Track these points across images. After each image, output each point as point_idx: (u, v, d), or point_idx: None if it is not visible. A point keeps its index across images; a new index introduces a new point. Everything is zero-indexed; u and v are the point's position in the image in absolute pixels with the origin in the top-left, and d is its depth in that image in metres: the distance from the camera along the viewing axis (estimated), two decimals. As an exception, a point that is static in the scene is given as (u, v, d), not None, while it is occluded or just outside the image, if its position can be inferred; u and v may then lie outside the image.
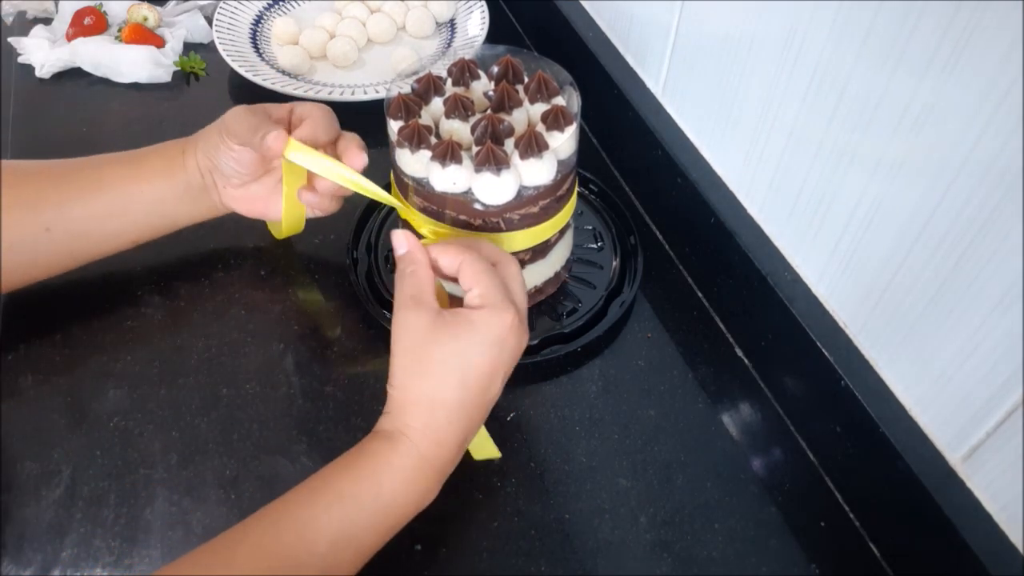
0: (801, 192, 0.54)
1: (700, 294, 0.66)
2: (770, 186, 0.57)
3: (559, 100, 0.57)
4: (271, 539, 0.43)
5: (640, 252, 0.66)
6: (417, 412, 0.46)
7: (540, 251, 0.59)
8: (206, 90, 0.83)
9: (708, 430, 0.58)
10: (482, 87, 0.58)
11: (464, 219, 0.55)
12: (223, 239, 0.67)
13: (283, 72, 0.82)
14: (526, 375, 0.60)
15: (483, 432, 0.53)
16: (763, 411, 0.59)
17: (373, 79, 0.83)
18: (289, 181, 0.59)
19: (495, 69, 0.58)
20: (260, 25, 0.88)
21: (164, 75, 0.83)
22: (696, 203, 0.63)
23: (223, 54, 0.81)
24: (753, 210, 0.60)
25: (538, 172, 0.53)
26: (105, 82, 0.82)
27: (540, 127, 0.55)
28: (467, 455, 0.53)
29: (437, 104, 0.57)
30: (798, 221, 0.55)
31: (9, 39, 0.84)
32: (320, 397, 0.58)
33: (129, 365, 0.59)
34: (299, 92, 0.78)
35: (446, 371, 0.46)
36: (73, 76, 0.83)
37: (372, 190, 0.56)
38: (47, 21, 0.88)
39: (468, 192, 0.53)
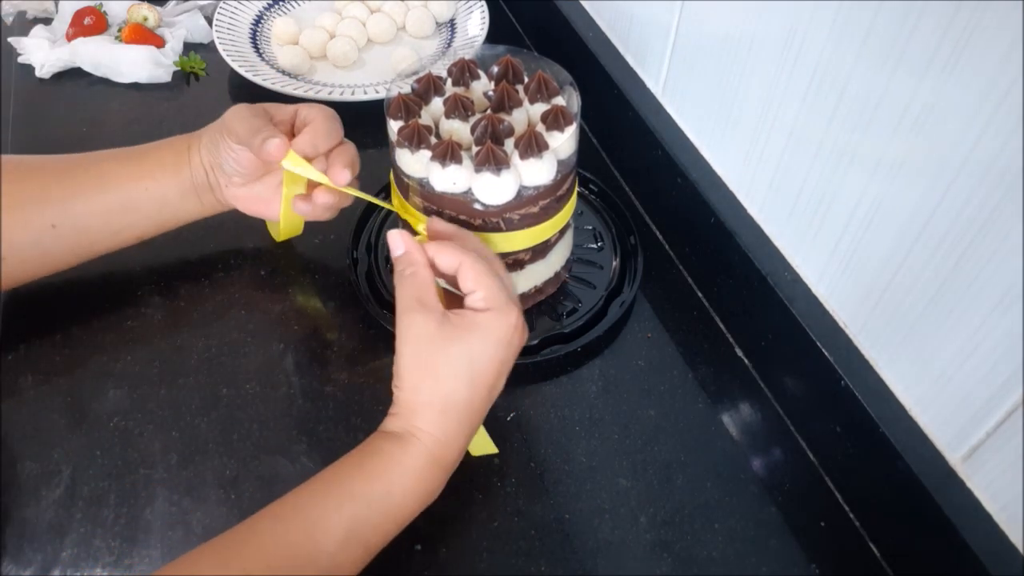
0: (801, 192, 0.54)
1: (700, 294, 0.66)
2: (770, 186, 0.57)
3: (559, 100, 0.57)
4: (281, 537, 0.43)
5: (640, 252, 0.66)
6: (429, 414, 0.47)
7: (540, 251, 0.59)
8: (206, 90, 0.83)
9: (708, 430, 0.58)
10: (482, 87, 0.58)
11: (464, 219, 0.55)
12: (223, 239, 0.67)
13: (283, 72, 0.82)
14: (526, 375, 0.60)
15: (481, 430, 0.53)
16: (763, 411, 0.59)
17: (373, 79, 0.83)
18: (289, 186, 0.59)
19: (495, 69, 0.58)
20: (260, 25, 0.88)
21: (164, 75, 0.83)
22: (696, 203, 0.63)
23: (223, 54, 0.81)
24: (753, 210, 0.60)
25: (538, 172, 0.53)
26: (105, 82, 0.82)
27: (540, 127, 0.55)
28: (466, 455, 0.53)
29: (437, 104, 0.57)
30: (798, 221, 0.55)
31: (9, 39, 0.84)
32: (320, 397, 0.58)
33: (129, 365, 0.59)
34: (299, 92, 0.78)
35: (456, 374, 0.46)
36: (73, 76, 0.83)
37: (369, 198, 0.57)
38: (47, 21, 0.88)
39: (468, 192, 0.53)
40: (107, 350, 0.60)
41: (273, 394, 0.58)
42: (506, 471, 0.55)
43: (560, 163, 0.55)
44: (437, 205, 0.55)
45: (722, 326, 0.64)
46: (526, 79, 0.58)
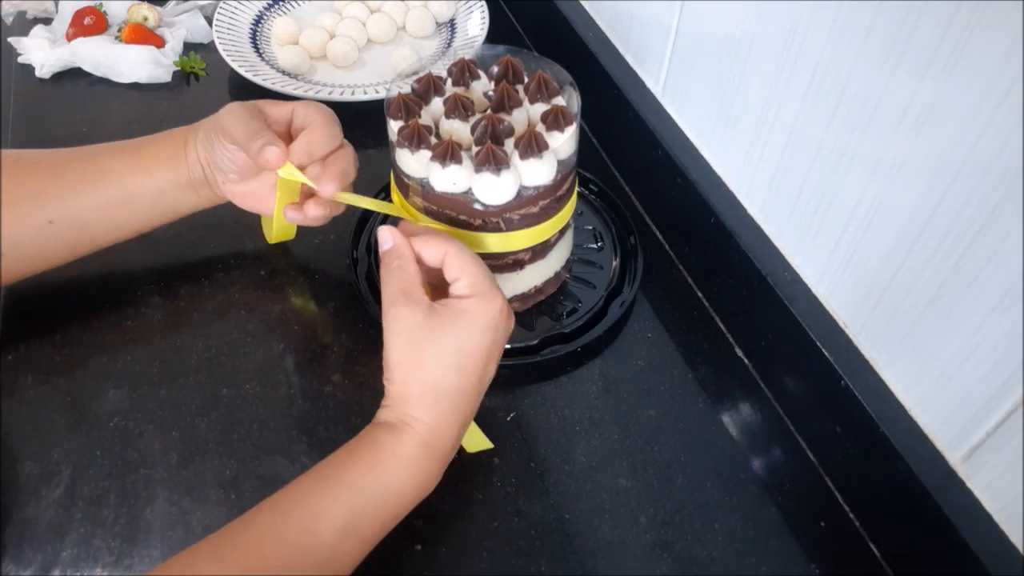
0: (801, 192, 0.54)
1: (700, 294, 0.66)
2: (770, 186, 0.57)
3: (559, 100, 0.57)
4: (278, 530, 0.44)
5: (640, 252, 0.66)
6: (420, 403, 0.47)
7: (540, 251, 0.59)
8: (206, 90, 0.83)
9: (708, 430, 0.58)
10: (482, 87, 0.58)
11: (464, 219, 0.55)
12: (223, 239, 0.67)
13: (283, 72, 0.82)
14: (526, 375, 0.60)
15: (473, 426, 0.54)
16: (763, 411, 0.59)
17: (373, 79, 0.83)
18: (283, 192, 0.59)
19: (495, 69, 0.58)
20: (260, 25, 0.88)
21: (164, 75, 0.83)
22: (696, 203, 0.63)
23: (223, 54, 0.81)
24: (753, 210, 0.60)
25: (538, 172, 0.53)
26: (105, 82, 0.82)
27: (540, 127, 0.55)
28: (462, 452, 0.53)
29: (437, 104, 0.57)
30: (798, 221, 0.55)
31: (9, 39, 0.84)
32: (320, 397, 0.58)
33: (129, 365, 0.59)
34: (299, 92, 0.78)
35: (445, 362, 0.47)
36: (73, 76, 0.83)
37: (371, 207, 0.57)
38: (47, 21, 0.88)
39: (468, 192, 0.53)
40: (107, 350, 0.60)
41: (273, 394, 0.58)
42: (506, 471, 0.55)
43: (560, 163, 0.55)
44: (437, 205, 0.55)
45: (722, 326, 0.64)
46: (526, 79, 0.58)
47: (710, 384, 0.60)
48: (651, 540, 0.52)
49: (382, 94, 0.78)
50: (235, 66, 0.80)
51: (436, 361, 0.47)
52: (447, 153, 0.52)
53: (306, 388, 0.58)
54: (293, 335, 0.62)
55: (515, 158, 0.53)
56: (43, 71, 0.82)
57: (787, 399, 0.58)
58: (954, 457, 0.47)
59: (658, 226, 0.71)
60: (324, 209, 0.58)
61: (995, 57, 0.38)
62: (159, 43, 0.84)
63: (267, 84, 0.78)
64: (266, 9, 0.90)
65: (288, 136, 0.57)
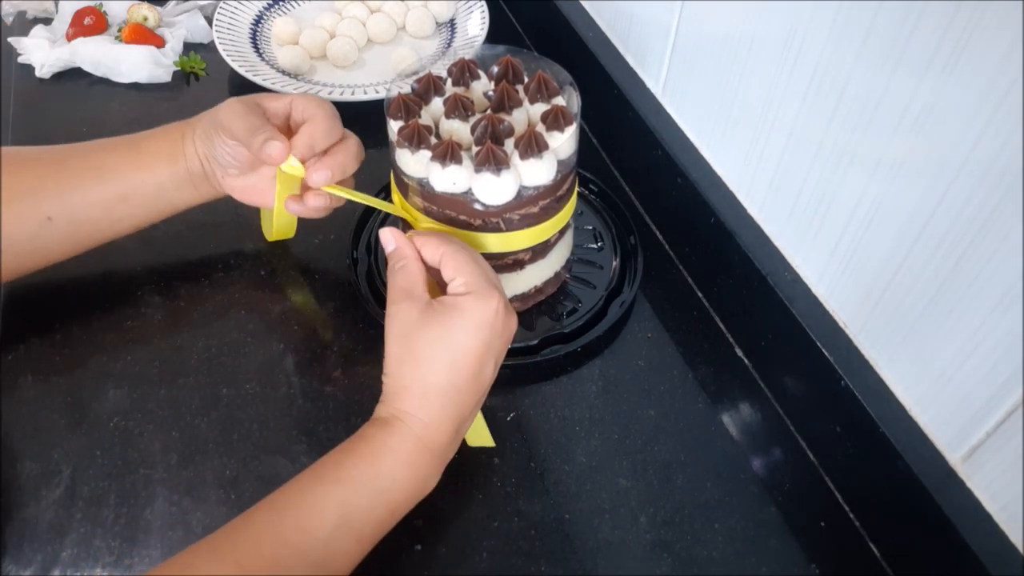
0: (801, 192, 0.54)
1: (700, 294, 0.66)
2: (770, 186, 0.57)
3: (559, 100, 0.57)
4: (275, 528, 0.44)
5: (640, 252, 0.66)
6: (409, 397, 0.47)
7: (540, 251, 0.59)
8: (206, 90, 0.83)
9: (708, 430, 0.58)
10: (482, 87, 0.58)
11: (464, 219, 0.55)
12: (224, 239, 0.67)
13: (283, 72, 0.82)
14: (526, 375, 0.60)
15: (480, 420, 0.54)
16: (763, 411, 0.59)
17: (373, 79, 0.83)
18: (283, 186, 0.59)
19: (495, 69, 0.58)
20: (260, 25, 0.88)
21: (164, 75, 0.83)
22: (696, 203, 0.63)
23: (223, 54, 0.81)
24: (753, 210, 0.60)
25: (538, 172, 0.53)
26: (105, 82, 0.82)
27: (540, 127, 0.55)
28: (464, 447, 0.53)
29: (437, 104, 0.57)
30: (798, 221, 0.55)
31: (9, 39, 0.84)
32: (320, 397, 0.58)
33: (129, 365, 0.59)
34: (299, 92, 0.78)
35: (435, 357, 0.47)
36: (73, 76, 0.83)
37: (366, 202, 0.57)
38: (47, 21, 0.88)
39: (468, 192, 0.53)
40: (107, 350, 0.60)
41: (273, 394, 0.58)
42: (506, 471, 0.55)
43: (560, 163, 0.55)
44: (437, 205, 0.55)
45: (722, 326, 0.64)
46: (526, 79, 0.58)
47: (710, 384, 0.60)
48: (651, 540, 0.52)
49: (382, 94, 0.78)
50: (235, 66, 0.80)
51: (427, 356, 0.47)
52: (447, 153, 0.52)
53: (306, 388, 0.58)
54: (293, 335, 0.62)
55: (515, 158, 0.53)
56: (43, 71, 0.82)
57: (787, 399, 0.58)
58: (954, 457, 0.47)
59: (658, 226, 0.71)
60: (324, 199, 0.58)
61: (995, 57, 0.38)
62: (159, 43, 0.84)
63: (267, 84, 0.78)
64: (266, 9, 0.90)
65: (287, 129, 0.57)
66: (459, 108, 0.55)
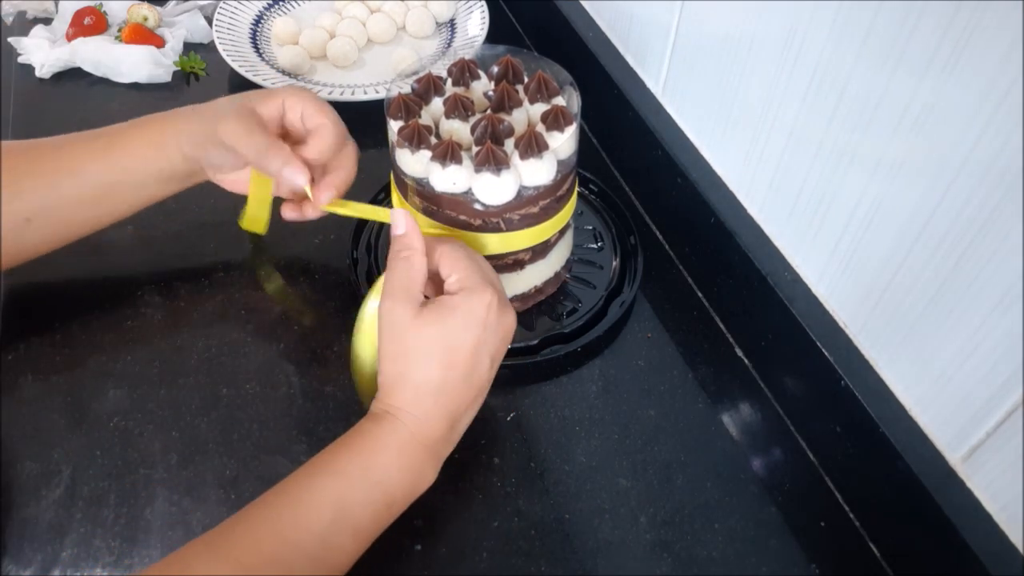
0: (801, 192, 0.54)
1: (700, 294, 0.66)
2: (770, 186, 0.57)
3: (559, 100, 0.57)
4: (272, 525, 0.44)
5: (640, 252, 0.66)
6: (402, 393, 0.47)
7: (540, 251, 0.59)
8: (206, 90, 0.83)
9: (708, 430, 0.58)
10: (482, 87, 0.58)
11: (464, 219, 0.55)
12: (224, 239, 0.67)
13: (283, 72, 0.82)
14: (526, 375, 0.60)
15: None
16: (763, 411, 0.59)
17: (373, 79, 0.83)
18: (257, 186, 0.60)
19: (495, 69, 0.58)
20: (260, 25, 0.88)
21: (164, 75, 0.83)
22: (696, 203, 0.63)
23: (223, 54, 0.81)
24: (753, 210, 0.60)
25: (538, 172, 0.53)
26: (105, 82, 0.82)
27: (540, 127, 0.55)
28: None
29: (437, 104, 0.57)
30: (798, 221, 0.55)
31: (9, 39, 0.84)
32: (320, 397, 0.58)
33: (129, 365, 0.59)
34: (285, 86, 0.77)
35: (428, 354, 0.47)
36: (73, 76, 0.83)
37: (365, 216, 0.58)
38: (47, 21, 0.88)
39: (468, 192, 0.53)
40: (107, 350, 0.60)
41: (273, 394, 0.58)
42: (506, 471, 0.55)
43: (560, 163, 0.55)
44: (437, 205, 0.55)
45: (722, 326, 0.64)
46: (526, 79, 0.58)
47: (710, 384, 0.60)
48: (651, 540, 0.52)
49: (382, 94, 0.78)
50: (235, 66, 0.80)
51: (419, 354, 0.47)
52: (447, 153, 0.52)
53: (306, 388, 0.58)
54: (293, 335, 0.62)
55: (515, 158, 0.53)
56: (43, 71, 0.82)
57: (787, 399, 0.58)
58: (954, 457, 0.47)
59: (658, 226, 0.71)
60: (320, 212, 0.59)
61: (995, 57, 0.38)
62: (159, 43, 0.84)
63: (267, 84, 0.78)
64: (266, 9, 0.90)
65: (284, 132, 0.58)
66: (459, 108, 0.55)
